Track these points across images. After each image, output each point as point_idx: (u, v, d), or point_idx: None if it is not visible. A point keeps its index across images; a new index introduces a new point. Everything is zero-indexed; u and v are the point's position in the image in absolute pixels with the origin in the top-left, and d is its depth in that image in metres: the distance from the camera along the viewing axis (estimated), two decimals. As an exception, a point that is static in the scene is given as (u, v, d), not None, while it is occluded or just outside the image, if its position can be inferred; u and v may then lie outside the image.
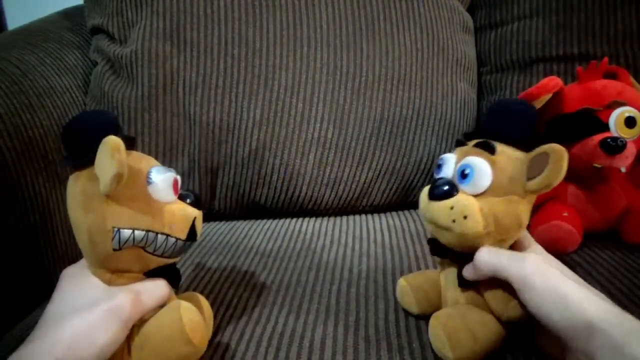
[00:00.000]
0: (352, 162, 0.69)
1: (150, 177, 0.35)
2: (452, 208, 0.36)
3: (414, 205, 0.73)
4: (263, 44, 0.68)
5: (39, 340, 0.31)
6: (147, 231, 0.34)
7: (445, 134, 0.71)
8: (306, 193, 0.69)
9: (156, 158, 0.66)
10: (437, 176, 0.40)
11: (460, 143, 0.41)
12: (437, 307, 0.43)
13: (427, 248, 0.57)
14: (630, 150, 0.51)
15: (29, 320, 0.48)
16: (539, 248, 0.39)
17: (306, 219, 0.68)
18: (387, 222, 0.66)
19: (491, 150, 0.37)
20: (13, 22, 1.17)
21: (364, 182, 0.70)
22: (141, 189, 0.35)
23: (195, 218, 0.37)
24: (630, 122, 0.52)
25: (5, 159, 0.53)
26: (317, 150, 0.68)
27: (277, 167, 0.67)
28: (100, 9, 0.72)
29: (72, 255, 0.59)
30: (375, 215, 0.69)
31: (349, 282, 0.49)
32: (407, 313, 0.44)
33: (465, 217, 0.36)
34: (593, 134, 0.52)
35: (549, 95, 0.54)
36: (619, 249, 0.55)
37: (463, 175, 0.37)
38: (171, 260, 0.38)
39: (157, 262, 0.37)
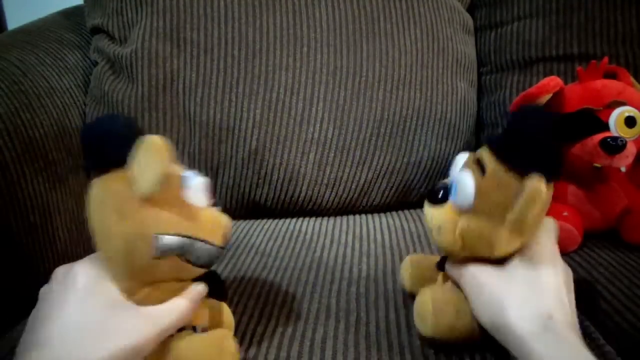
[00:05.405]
0: (352, 162, 0.69)
1: (187, 180, 0.34)
2: (432, 218, 0.38)
3: (414, 205, 0.73)
4: (263, 44, 0.68)
5: None
6: (188, 237, 0.32)
7: (445, 134, 0.72)
8: (306, 193, 0.69)
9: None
10: (449, 175, 0.40)
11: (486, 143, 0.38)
12: None
13: (426, 247, 0.57)
14: (630, 150, 0.51)
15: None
16: (536, 254, 0.37)
17: (306, 219, 0.68)
18: (387, 222, 0.66)
19: (482, 171, 0.35)
20: (13, 22, 1.17)
21: (364, 182, 0.70)
22: (176, 193, 0.33)
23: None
24: (630, 121, 0.52)
25: (5, 159, 0.53)
26: (317, 150, 0.68)
27: (277, 167, 0.67)
28: (100, 9, 0.72)
29: (72, 255, 0.59)
30: (375, 215, 0.69)
31: (349, 282, 0.49)
32: (408, 312, 0.44)
33: (439, 231, 0.37)
34: (593, 134, 0.52)
35: (549, 95, 0.54)
36: (619, 249, 0.55)
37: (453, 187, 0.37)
38: (203, 270, 0.35)
39: (190, 272, 0.34)
